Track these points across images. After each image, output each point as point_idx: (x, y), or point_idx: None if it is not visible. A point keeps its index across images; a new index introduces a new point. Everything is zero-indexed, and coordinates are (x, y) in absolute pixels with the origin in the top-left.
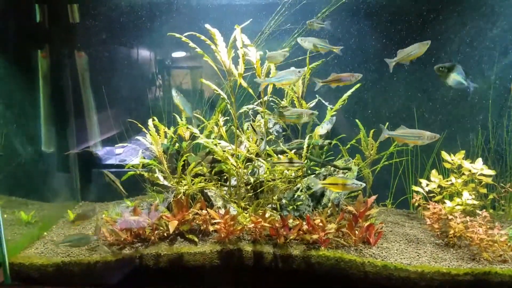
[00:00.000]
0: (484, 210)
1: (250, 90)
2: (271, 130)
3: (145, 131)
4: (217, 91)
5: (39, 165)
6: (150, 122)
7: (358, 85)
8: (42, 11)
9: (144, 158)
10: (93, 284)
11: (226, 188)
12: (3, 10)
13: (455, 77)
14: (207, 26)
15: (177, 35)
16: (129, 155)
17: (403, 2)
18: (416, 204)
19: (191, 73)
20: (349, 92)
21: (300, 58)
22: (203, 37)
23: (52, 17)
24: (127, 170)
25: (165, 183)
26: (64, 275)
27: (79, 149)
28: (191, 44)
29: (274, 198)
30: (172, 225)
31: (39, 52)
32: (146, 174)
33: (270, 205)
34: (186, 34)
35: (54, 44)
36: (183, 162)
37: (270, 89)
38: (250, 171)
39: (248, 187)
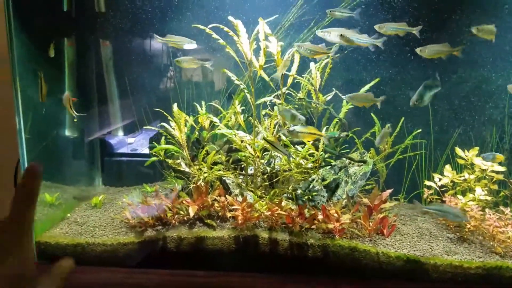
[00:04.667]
0: (502, 206)
1: (270, 82)
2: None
3: (170, 118)
4: (238, 80)
5: (63, 150)
6: (175, 107)
7: (376, 79)
8: (69, 0)
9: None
10: (116, 264)
11: (242, 177)
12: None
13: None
14: (230, 18)
15: (201, 27)
16: (141, 144)
17: None
18: (428, 199)
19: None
20: (366, 87)
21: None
22: (226, 29)
23: (79, 7)
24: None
25: (187, 169)
26: (88, 254)
27: (98, 135)
28: (214, 35)
29: (289, 188)
30: (193, 209)
31: (65, 41)
32: (170, 161)
33: (285, 195)
34: (210, 26)
35: (80, 33)
36: (204, 151)
37: (290, 81)
38: (266, 161)
39: (265, 176)
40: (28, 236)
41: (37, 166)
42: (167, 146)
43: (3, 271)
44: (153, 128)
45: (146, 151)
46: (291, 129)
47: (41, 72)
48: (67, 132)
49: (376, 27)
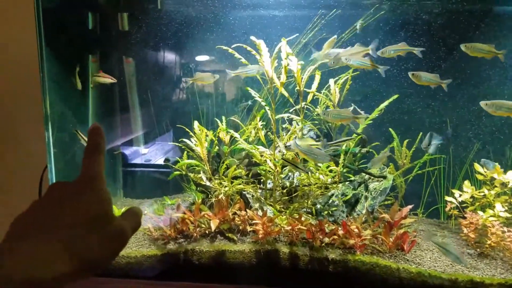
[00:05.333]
0: None
1: (290, 99)
2: (305, 136)
3: (191, 133)
4: (260, 97)
5: None
6: (195, 124)
7: (395, 96)
8: (95, 18)
9: (169, 159)
10: (139, 276)
11: (260, 191)
12: (59, 17)
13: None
14: (253, 38)
15: (224, 47)
16: (154, 155)
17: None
18: (450, 213)
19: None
20: (386, 102)
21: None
22: (248, 48)
23: (103, 25)
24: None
25: (208, 183)
26: (113, 266)
27: (117, 147)
28: (237, 55)
29: (308, 202)
30: (214, 223)
31: (90, 57)
32: (191, 175)
33: (304, 209)
34: (233, 46)
35: (104, 50)
36: (225, 165)
37: (309, 97)
38: (285, 175)
39: (284, 191)
40: (101, 184)
41: (98, 126)
42: (189, 161)
43: (82, 219)
44: (173, 143)
45: (160, 161)
46: (290, 143)
47: (77, 130)
48: None
49: (379, 53)
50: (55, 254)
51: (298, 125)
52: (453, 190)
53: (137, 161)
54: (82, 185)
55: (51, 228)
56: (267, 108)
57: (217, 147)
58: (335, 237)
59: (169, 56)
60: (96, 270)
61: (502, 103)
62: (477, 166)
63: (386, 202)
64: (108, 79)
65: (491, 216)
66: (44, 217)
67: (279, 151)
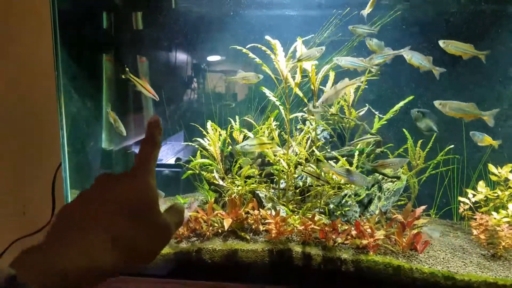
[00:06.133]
0: None
1: (305, 99)
2: (319, 136)
3: (205, 132)
4: (275, 96)
5: (98, 161)
6: (209, 125)
7: (411, 97)
8: (109, 18)
9: (180, 158)
10: (152, 275)
11: (273, 190)
12: (74, 17)
13: (428, 123)
14: (268, 37)
15: (238, 47)
16: (165, 154)
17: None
18: (463, 214)
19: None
20: (401, 103)
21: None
22: (264, 48)
23: (118, 24)
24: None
25: (221, 183)
26: None
27: (130, 146)
28: (251, 55)
29: (321, 202)
30: (227, 222)
31: (104, 56)
32: (205, 174)
33: (317, 209)
34: (248, 46)
35: (118, 49)
36: (238, 165)
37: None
38: (298, 175)
39: (297, 190)
40: (151, 179)
41: (158, 118)
42: (203, 160)
43: (129, 212)
44: (187, 143)
45: (171, 161)
46: (241, 145)
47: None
48: (104, 145)
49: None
50: (99, 246)
51: (312, 125)
52: (468, 190)
53: None
54: (131, 178)
55: (98, 220)
56: (281, 108)
57: (230, 147)
58: (348, 237)
59: (182, 56)
60: (140, 264)
61: (455, 104)
62: (491, 167)
63: (399, 203)
64: (151, 94)
65: (504, 217)
66: (91, 208)
67: (293, 151)
